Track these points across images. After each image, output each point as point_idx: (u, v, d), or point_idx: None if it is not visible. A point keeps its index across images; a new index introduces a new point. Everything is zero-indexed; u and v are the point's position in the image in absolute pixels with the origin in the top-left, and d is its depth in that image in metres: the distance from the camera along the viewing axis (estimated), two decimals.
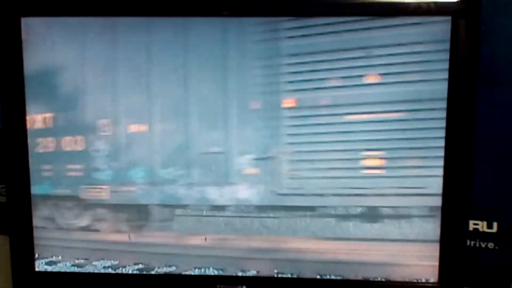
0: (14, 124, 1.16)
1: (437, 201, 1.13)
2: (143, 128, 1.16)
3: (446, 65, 1.09)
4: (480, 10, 1.07)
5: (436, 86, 1.10)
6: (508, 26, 1.20)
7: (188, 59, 1.14)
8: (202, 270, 1.19)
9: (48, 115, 1.16)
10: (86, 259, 1.20)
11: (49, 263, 1.21)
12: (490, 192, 1.27)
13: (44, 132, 1.17)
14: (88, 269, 1.20)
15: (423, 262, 1.15)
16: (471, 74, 1.08)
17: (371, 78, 1.11)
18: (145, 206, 1.18)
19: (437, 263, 1.14)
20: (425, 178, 1.13)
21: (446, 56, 1.08)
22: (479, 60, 1.09)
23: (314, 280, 1.17)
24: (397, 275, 1.16)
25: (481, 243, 1.29)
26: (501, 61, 1.21)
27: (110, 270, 1.20)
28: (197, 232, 1.18)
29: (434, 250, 1.14)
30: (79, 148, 1.17)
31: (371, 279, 1.16)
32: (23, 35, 1.13)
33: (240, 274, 1.18)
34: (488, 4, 1.11)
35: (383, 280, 1.16)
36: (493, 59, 1.20)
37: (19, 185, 1.18)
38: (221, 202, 1.17)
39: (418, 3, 1.07)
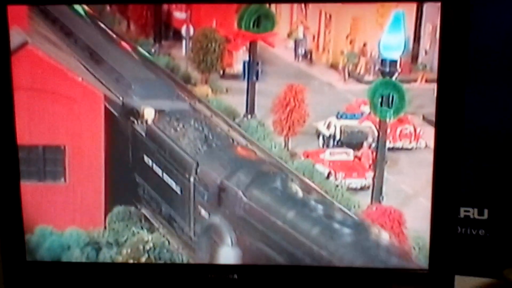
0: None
1: None
2: None
3: None
4: None
5: None
6: (496, 16, 1.20)
7: None
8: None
9: None
10: None
11: None
12: (481, 179, 1.28)
13: None
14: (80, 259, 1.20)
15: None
16: (461, 60, 1.08)
17: None
18: None
19: None
20: None
21: None
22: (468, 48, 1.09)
23: (305, 267, 1.17)
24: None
25: (472, 230, 1.30)
26: (490, 51, 1.22)
27: None
28: None
29: None
30: None
31: (363, 266, 1.16)
32: None
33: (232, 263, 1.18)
34: None
35: (375, 267, 1.16)
36: (482, 48, 1.20)
37: (8, 175, 1.17)
38: None
39: None
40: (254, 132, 1.20)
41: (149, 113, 1.20)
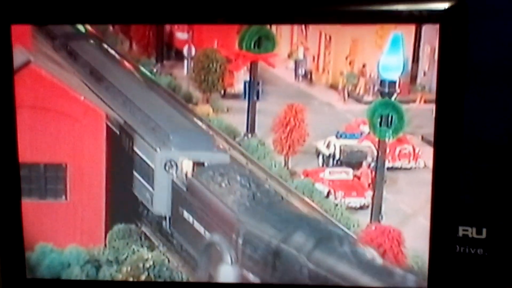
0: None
1: None
2: None
3: None
4: (467, 18, 1.07)
5: None
6: (495, 30, 1.21)
7: None
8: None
9: None
10: None
11: None
12: (479, 197, 1.28)
13: None
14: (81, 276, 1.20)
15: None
16: (460, 81, 1.09)
17: None
18: None
19: None
20: None
21: None
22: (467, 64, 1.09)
23: (305, 286, 1.16)
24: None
25: (471, 249, 1.30)
26: (488, 64, 1.22)
27: None
28: None
29: None
30: None
31: (362, 286, 1.16)
32: None
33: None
34: (475, 8, 1.12)
35: (374, 286, 1.16)
36: (481, 62, 1.20)
37: (9, 192, 1.17)
38: None
39: (403, 11, 1.08)
40: (255, 151, 1.21)
41: (187, 166, 1.18)
